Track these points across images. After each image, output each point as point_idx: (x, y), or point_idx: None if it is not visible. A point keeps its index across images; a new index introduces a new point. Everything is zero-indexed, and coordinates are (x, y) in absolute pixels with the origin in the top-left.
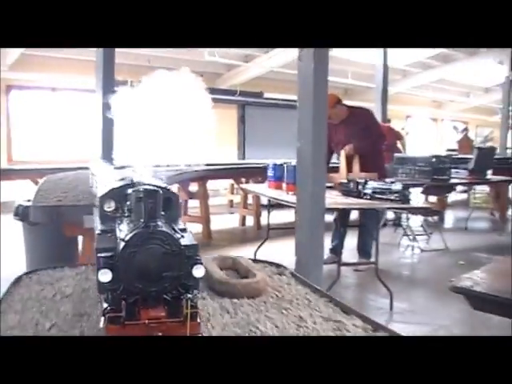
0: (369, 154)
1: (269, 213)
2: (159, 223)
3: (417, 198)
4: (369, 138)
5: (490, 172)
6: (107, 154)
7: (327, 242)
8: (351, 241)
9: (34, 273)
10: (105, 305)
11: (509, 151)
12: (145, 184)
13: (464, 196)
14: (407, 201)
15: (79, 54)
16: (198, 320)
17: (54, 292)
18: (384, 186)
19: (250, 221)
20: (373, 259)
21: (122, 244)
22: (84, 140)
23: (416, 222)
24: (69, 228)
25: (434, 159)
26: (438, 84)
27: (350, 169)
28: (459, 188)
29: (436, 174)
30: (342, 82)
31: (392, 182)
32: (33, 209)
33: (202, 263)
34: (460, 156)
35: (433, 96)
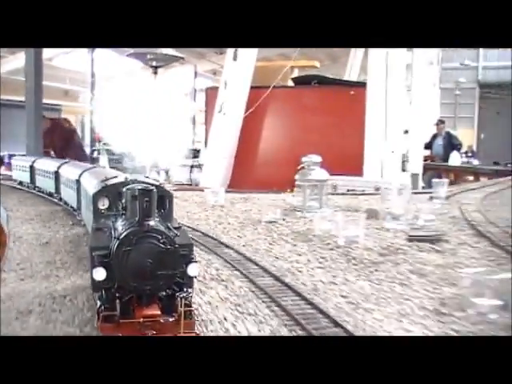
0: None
1: None
2: (154, 222)
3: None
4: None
5: None
6: None
7: None
8: None
9: None
10: (98, 303)
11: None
12: (139, 182)
13: None
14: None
15: None
16: (193, 319)
17: None
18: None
19: None
20: None
21: (117, 242)
22: None
23: None
24: None
25: (121, 153)
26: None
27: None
28: None
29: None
30: (61, 86)
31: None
32: None
33: (196, 261)
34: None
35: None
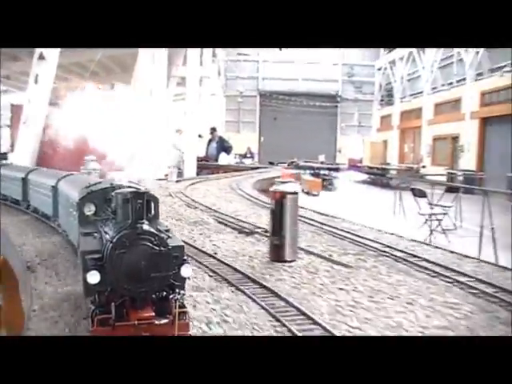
0: None
1: None
2: (146, 224)
3: None
4: None
5: None
6: None
7: None
8: None
9: None
10: (92, 307)
11: None
12: (127, 186)
13: None
14: None
15: None
16: (187, 320)
17: None
18: None
19: None
20: None
21: (110, 245)
22: None
23: None
24: None
25: None
26: None
27: None
28: None
29: None
30: None
31: None
32: None
33: (189, 263)
34: None
35: None
